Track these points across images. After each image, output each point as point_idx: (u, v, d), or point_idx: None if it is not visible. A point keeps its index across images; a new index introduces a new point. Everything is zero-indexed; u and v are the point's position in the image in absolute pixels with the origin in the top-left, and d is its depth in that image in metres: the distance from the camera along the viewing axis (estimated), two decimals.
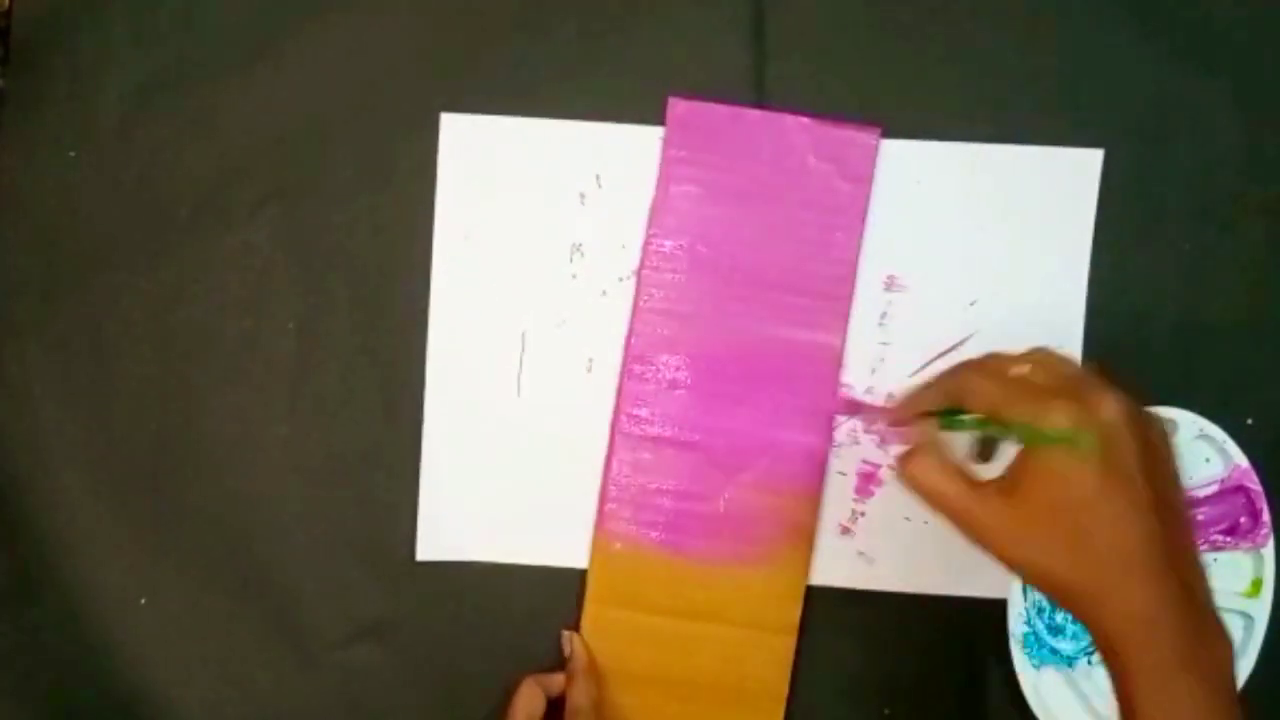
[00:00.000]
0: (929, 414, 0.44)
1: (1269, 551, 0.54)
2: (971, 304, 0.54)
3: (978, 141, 0.54)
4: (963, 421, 0.43)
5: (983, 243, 0.54)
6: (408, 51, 0.54)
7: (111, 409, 0.55)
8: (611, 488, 0.54)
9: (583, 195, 0.54)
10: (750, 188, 0.54)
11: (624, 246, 0.54)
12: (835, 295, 0.54)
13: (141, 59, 0.54)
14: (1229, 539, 0.54)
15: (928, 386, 0.45)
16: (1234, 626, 0.54)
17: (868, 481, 0.55)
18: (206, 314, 0.55)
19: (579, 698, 0.51)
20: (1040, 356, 0.43)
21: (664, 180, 0.54)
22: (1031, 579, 0.42)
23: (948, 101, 0.54)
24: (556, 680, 0.53)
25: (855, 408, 0.54)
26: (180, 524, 0.55)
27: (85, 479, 0.54)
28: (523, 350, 0.54)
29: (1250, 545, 0.54)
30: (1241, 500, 0.54)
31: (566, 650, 0.53)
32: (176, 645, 0.54)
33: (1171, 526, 0.40)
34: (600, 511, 0.54)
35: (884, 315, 0.54)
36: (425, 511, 0.54)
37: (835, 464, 0.54)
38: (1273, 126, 0.54)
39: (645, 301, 0.54)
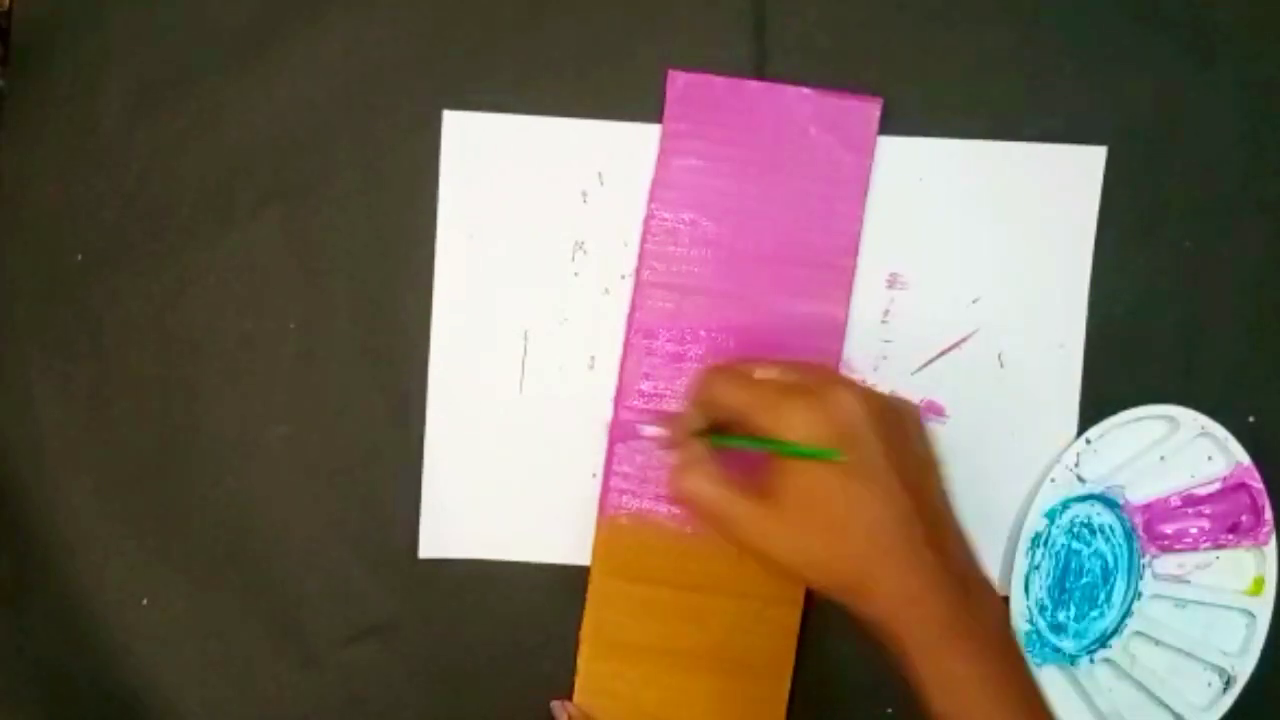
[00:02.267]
0: (701, 433, 0.46)
1: (1271, 549, 0.54)
2: (974, 301, 0.54)
3: (980, 139, 0.54)
4: (728, 439, 0.45)
5: (985, 240, 0.54)
6: (409, 50, 0.54)
7: (112, 409, 0.54)
8: (617, 462, 0.54)
9: (585, 193, 0.54)
10: (752, 159, 0.54)
11: (626, 244, 0.54)
12: (838, 266, 0.54)
13: (142, 59, 0.54)
14: (1231, 537, 0.54)
15: (690, 404, 0.47)
16: (1236, 625, 0.54)
17: None
18: (208, 314, 0.54)
19: None
20: (787, 361, 0.46)
21: (665, 153, 0.54)
22: (799, 577, 0.45)
23: (950, 99, 0.54)
24: None
25: (632, 432, 0.54)
26: (181, 524, 0.54)
27: (86, 479, 0.54)
28: (525, 348, 0.54)
29: (1252, 543, 0.54)
30: (1243, 498, 0.54)
31: (558, 718, 0.54)
32: (178, 646, 0.54)
33: (925, 504, 0.43)
34: (605, 485, 0.54)
35: (886, 313, 0.54)
36: (428, 509, 0.54)
37: None
38: (1274, 124, 0.55)
39: (648, 275, 0.54)
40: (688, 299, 0.54)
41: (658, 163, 0.54)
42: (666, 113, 0.54)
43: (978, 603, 0.42)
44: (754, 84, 0.54)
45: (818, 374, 0.45)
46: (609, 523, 0.54)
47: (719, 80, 0.54)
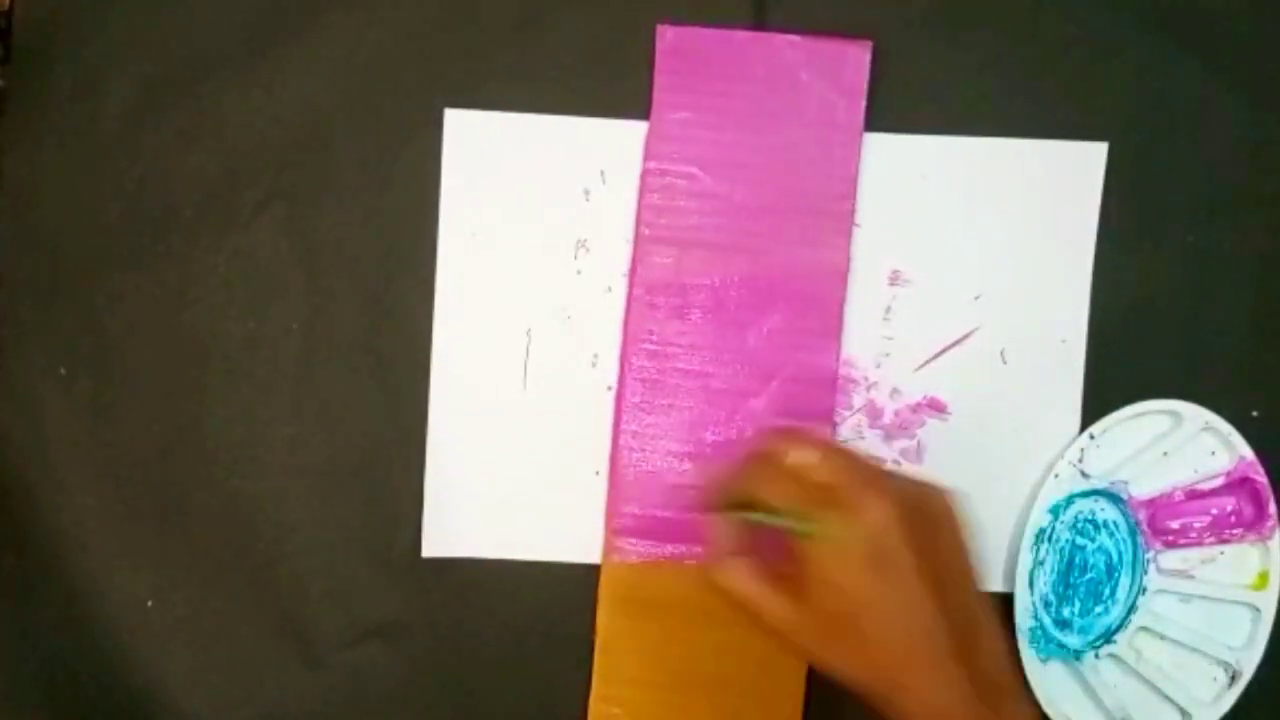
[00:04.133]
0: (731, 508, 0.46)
1: (1275, 543, 0.54)
2: (976, 298, 0.54)
3: (981, 135, 0.54)
4: (751, 516, 0.45)
5: (987, 237, 0.54)
6: (411, 49, 0.54)
7: (115, 411, 0.54)
8: (625, 421, 0.54)
9: (587, 191, 0.54)
10: (745, 109, 0.54)
11: (628, 242, 0.54)
12: (837, 212, 0.54)
13: (144, 59, 0.54)
14: (1235, 531, 0.54)
15: (725, 484, 0.47)
16: (1241, 619, 0.54)
17: None
18: (210, 315, 0.54)
19: None
20: (826, 449, 0.44)
21: (658, 108, 0.54)
22: (832, 677, 0.43)
23: (951, 96, 0.54)
24: None
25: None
26: (186, 526, 0.54)
27: (90, 481, 0.54)
28: (528, 346, 0.54)
29: (1256, 538, 0.54)
30: (1247, 492, 0.54)
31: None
32: (183, 647, 0.54)
33: (955, 611, 0.42)
34: (615, 444, 0.54)
35: (888, 310, 0.54)
36: (431, 508, 0.54)
37: None
38: (1276, 119, 0.55)
39: (647, 231, 0.54)
40: (687, 253, 0.54)
41: (651, 118, 0.54)
42: (657, 66, 0.53)
43: (1009, 709, 0.42)
44: (743, 34, 0.54)
45: (849, 479, 0.43)
46: (621, 464, 0.54)
47: (708, 32, 0.53)
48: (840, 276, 0.54)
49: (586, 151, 0.54)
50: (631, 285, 0.54)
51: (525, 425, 0.54)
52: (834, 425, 0.54)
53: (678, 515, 0.54)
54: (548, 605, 0.54)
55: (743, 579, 0.44)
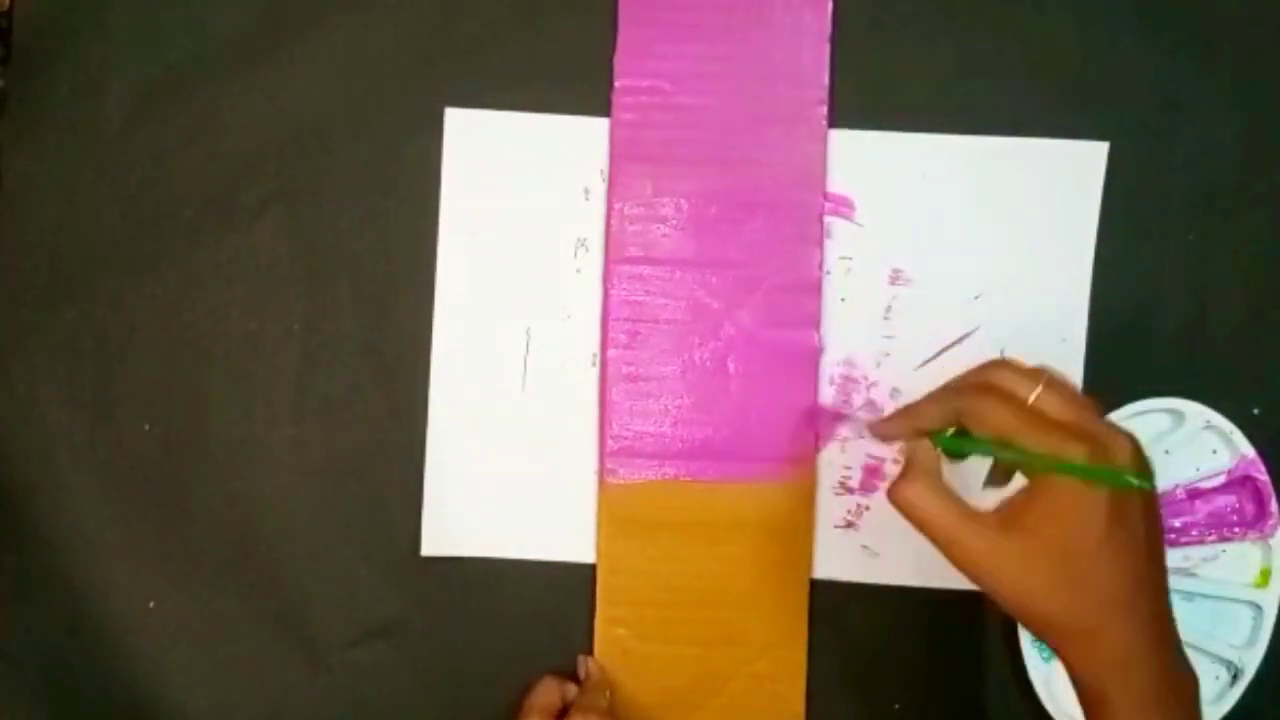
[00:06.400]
0: (926, 432, 0.44)
1: (1277, 541, 0.54)
2: (976, 298, 0.54)
3: (981, 135, 0.54)
4: (968, 445, 0.43)
5: (987, 236, 0.54)
6: (411, 49, 0.54)
7: (116, 412, 0.54)
8: (613, 335, 0.54)
9: (587, 190, 0.54)
10: (711, 22, 0.54)
11: None
12: (809, 118, 0.54)
13: (144, 60, 0.54)
14: (1237, 530, 0.54)
15: (930, 402, 0.45)
16: (1243, 617, 0.54)
17: (872, 476, 0.54)
18: (211, 316, 0.55)
19: (596, 699, 0.51)
20: (1048, 380, 0.43)
21: (624, 23, 0.54)
22: (1023, 616, 0.42)
23: (952, 95, 0.54)
24: (573, 687, 0.53)
25: (840, 419, 0.54)
26: (187, 526, 0.54)
27: (91, 482, 0.54)
28: (527, 345, 0.54)
29: (1258, 536, 0.54)
30: (1249, 491, 0.54)
31: (582, 672, 0.54)
32: (184, 648, 0.54)
33: (1158, 569, 0.42)
34: (604, 362, 0.54)
35: (889, 309, 0.54)
36: (430, 507, 0.54)
37: (839, 458, 0.54)
38: (1274, 118, 0.55)
39: (620, 150, 0.54)
40: (663, 168, 0.54)
41: (618, 34, 0.54)
42: None
43: (1183, 678, 0.42)
44: None
45: (1089, 415, 0.42)
46: (609, 486, 0.54)
47: None
48: (817, 182, 0.54)
49: (586, 150, 0.54)
50: (610, 201, 0.54)
51: (525, 425, 0.54)
52: (820, 315, 0.54)
53: (670, 434, 0.54)
54: (548, 605, 0.54)
55: (936, 499, 0.42)
